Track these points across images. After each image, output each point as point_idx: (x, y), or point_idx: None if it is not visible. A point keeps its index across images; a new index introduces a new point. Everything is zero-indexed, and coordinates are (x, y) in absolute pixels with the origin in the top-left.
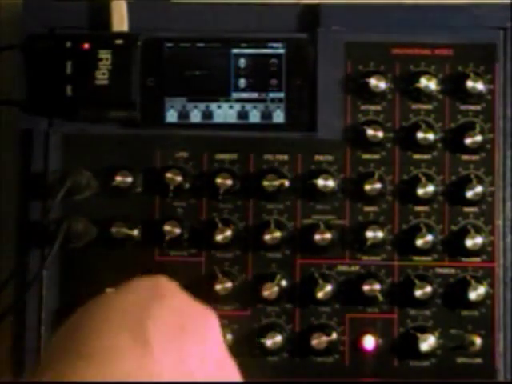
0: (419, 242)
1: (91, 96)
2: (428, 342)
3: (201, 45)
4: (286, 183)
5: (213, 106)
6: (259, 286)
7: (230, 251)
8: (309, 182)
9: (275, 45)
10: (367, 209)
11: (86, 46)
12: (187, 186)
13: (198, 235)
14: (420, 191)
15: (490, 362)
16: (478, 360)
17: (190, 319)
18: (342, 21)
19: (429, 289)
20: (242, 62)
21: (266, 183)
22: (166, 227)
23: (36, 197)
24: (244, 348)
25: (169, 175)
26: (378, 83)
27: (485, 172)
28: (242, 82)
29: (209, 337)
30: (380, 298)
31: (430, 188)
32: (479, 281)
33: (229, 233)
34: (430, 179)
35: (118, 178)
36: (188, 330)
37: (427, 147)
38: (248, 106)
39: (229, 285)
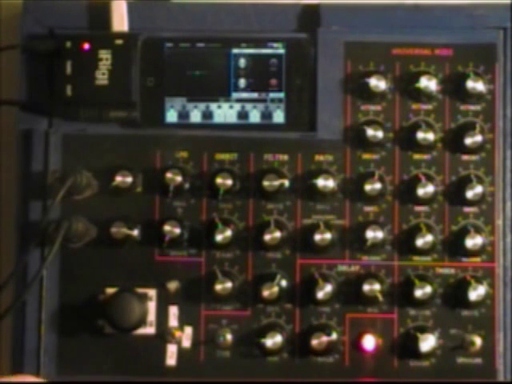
0: (419, 242)
1: (91, 96)
2: (428, 342)
3: (201, 45)
4: (286, 183)
5: (213, 105)
6: (259, 286)
7: (229, 251)
8: (309, 182)
9: (275, 45)
10: (367, 209)
11: (86, 46)
12: (187, 186)
13: (198, 235)
14: (420, 191)
15: (490, 362)
16: (478, 360)
17: None
18: (342, 21)
19: (429, 289)
20: (242, 61)
21: (265, 183)
22: (166, 227)
23: (36, 197)
24: (244, 348)
25: (169, 175)
26: (378, 83)
27: (485, 172)
28: (242, 81)
29: None
30: (380, 298)
31: (430, 188)
32: (479, 281)
33: (229, 233)
34: (429, 179)
35: (118, 178)
36: None
37: (427, 147)
38: (248, 106)
39: (229, 285)
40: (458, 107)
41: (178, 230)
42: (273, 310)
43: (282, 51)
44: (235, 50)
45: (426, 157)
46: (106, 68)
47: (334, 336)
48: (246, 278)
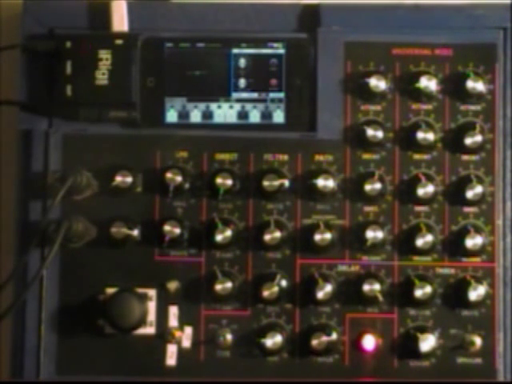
0: (419, 242)
1: (91, 96)
2: (428, 342)
3: (201, 45)
4: (286, 183)
5: (213, 105)
6: (259, 286)
7: (229, 251)
8: (309, 182)
9: (275, 45)
10: (367, 209)
11: (86, 46)
12: (187, 186)
13: (198, 235)
14: (420, 191)
15: (490, 362)
16: (478, 360)
17: None
18: (342, 21)
19: (429, 289)
20: (242, 61)
21: (265, 183)
22: (166, 227)
23: (36, 197)
24: (244, 348)
25: (169, 175)
26: (378, 83)
27: (485, 172)
28: (242, 81)
29: None
30: (380, 298)
31: (430, 188)
32: (479, 281)
33: (229, 233)
34: (430, 179)
35: (118, 178)
36: None
37: (427, 147)
38: (248, 106)
39: (229, 285)
40: (458, 107)
41: (177, 230)
42: (273, 310)
43: (282, 51)
44: (235, 50)
45: (426, 157)
46: (106, 68)
47: (334, 336)
48: (245, 278)
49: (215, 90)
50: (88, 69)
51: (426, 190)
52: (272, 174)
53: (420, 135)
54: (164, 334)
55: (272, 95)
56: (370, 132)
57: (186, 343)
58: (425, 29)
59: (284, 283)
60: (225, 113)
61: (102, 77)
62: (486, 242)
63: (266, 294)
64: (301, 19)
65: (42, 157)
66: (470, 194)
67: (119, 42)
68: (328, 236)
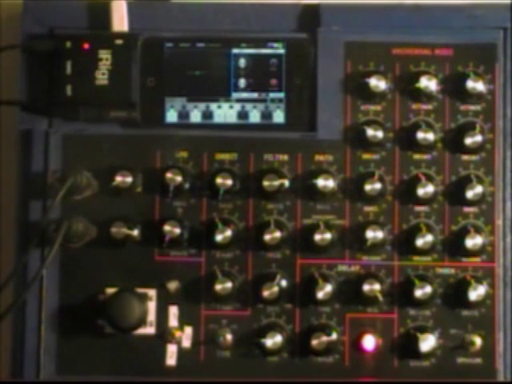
0: (419, 242)
1: (91, 96)
2: (428, 342)
3: (201, 45)
4: (286, 183)
5: (213, 105)
6: (259, 286)
7: (229, 251)
8: (309, 182)
9: (275, 45)
10: (367, 209)
11: (86, 46)
12: (187, 186)
13: (198, 235)
14: (420, 191)
15: (490, 362)
16: (478, 360)
17: None
18: (342, 21)
19: (429, 289)
20: (242, 61)
21: (265, 183)
22: (166, 227)
23: (36, 197)
24: (244, 348)
25: (169, 175)
26: (378, 83)
27: (485, 172)
28: (242, 81)
29: None
30: (380, 298)
31: (430, 188)
32: (479, 281)
33: (229, 233)
34: (430, 179)
35: (118, 178)
36: None
37: (427, 147)
38: (248, 106)
39: (229, 285)
40: (458, 107)
41: (178, 230)
42: (273, 310)
43: (281, 51)
44: (235, 50)
45: (426, 157)
46: (105, 68)
47: (334, 336)
48: (245, 278)
49: (215, 89)
50: (88, 69)
51: (425, 189)
52: (272, 173)
53: (420, 135)
54: (164, 334)
55: (272, 95)
56: (369, 132)
57: (186, 343)
58: (425, 29)
59: (284, 283)
60: (225, 113)
61: (101, 77)
62: (485, 242)
63: (266, 293)
64: (301, 19)
65: (42, 157)
66: (470, 194)
67: (119, 41)
68: (328, 236)
